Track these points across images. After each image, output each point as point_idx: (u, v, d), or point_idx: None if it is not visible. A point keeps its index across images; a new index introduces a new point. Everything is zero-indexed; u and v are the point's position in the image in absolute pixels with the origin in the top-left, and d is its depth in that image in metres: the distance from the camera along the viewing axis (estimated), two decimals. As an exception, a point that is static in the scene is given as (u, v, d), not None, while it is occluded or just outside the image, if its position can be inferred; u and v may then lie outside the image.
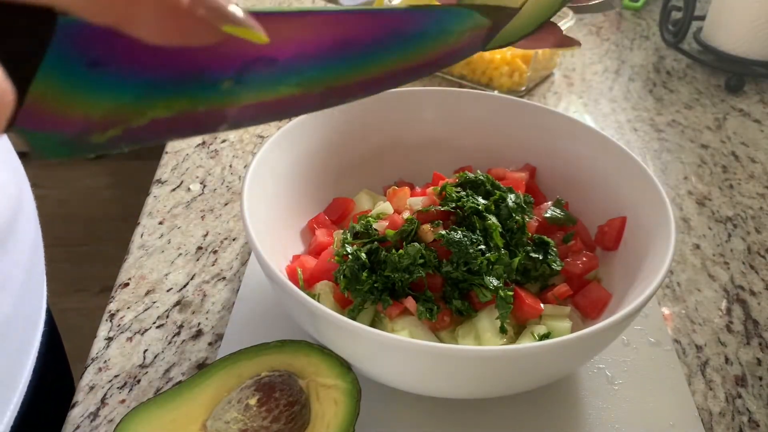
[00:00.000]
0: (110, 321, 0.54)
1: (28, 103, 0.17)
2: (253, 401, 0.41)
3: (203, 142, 0.76)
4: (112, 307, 0.55)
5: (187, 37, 0.17)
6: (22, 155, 0.52)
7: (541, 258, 0.50)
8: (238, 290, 0.56)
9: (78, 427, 0.46)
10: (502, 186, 0.52)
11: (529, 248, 0.50)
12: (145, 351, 0.52)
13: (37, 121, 0.18)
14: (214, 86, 0.21)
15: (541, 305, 0.48)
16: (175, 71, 0.20)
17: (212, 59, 0.20)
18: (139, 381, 0.49)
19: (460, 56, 0.29)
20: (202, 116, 0.21)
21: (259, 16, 0.20)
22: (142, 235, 0.62)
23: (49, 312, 0.56)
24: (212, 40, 0.18)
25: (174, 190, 0.68)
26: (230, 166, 0.72)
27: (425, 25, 0.26)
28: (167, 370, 0.50)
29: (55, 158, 0.18)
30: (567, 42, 0.38)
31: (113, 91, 0.18)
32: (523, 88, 0.87)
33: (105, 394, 0.48)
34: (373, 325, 0.47)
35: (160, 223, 0.64)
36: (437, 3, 0.31)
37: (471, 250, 0.46)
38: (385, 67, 0.25)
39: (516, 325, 0.48)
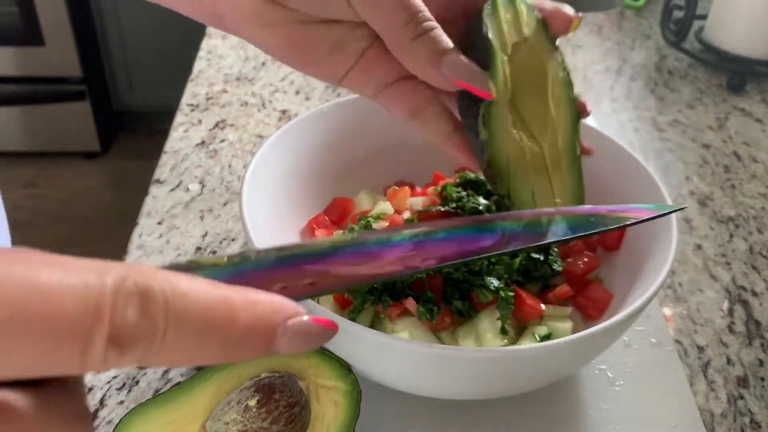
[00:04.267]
0: (109, 321, 0.54)
1: None
2: (252, 402, 0.41)
3: (202, 142, 0.75)
4: (110, 307, 0.55)
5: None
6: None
7: (542, 258, 0.49)
8: (237, 291, 0.56)
9: (76, 428, 0.46)
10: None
11: (529, 248, 0.49)
12: (144, 352, 0.51)
13: None
14: None
15: (542, 306, 0.47)
16: None
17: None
18: (137, 382, 0.49)
19: None
20: None
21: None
22: (140, 236, 0.62)
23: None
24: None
25: (173, 190, 0.68)
26: (229, 166, 0.72)
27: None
28: (166, 371, 0.50)
29: None
30: None
31: None
32: (524, 88, 0.86)
33: (103, 396, 0.48)
34: (373, 325, 0.47)
35: (159, 223, 0.64)
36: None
37: (472, 251, 0.46)
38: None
39: (517, 326, 0.47)
